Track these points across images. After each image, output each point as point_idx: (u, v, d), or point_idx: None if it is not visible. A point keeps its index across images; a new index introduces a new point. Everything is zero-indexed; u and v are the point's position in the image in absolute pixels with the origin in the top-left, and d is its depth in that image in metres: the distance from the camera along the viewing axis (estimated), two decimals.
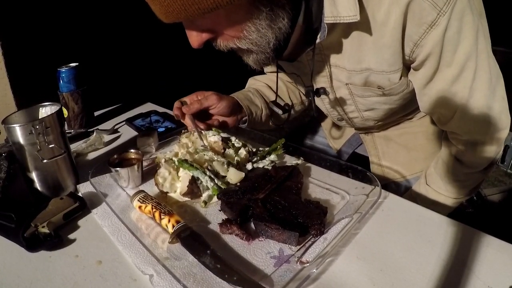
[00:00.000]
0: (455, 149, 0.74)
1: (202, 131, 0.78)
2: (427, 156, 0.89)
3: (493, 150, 0.70)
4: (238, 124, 0.87)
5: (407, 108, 0.83)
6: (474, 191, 0.79)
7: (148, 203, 0.59)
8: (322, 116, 1.11)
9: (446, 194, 0.78)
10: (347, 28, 0.62)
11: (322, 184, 0.69)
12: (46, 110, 0.72)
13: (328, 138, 1.12)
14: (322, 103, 0.85)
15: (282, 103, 0.81)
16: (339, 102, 0.80)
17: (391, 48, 0.61)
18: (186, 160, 0.68)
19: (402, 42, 0.60)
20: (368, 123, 0.86)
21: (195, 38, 0.57)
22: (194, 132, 0.78)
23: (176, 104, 0.81)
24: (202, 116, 0.82)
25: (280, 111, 0.79)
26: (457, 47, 0.58)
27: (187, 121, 0.80)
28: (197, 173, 0.65)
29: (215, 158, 0.69)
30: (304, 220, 0.55)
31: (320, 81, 0.76)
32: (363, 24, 0.59)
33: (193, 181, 0.65)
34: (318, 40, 0.62)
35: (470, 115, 0.65)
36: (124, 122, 1.07)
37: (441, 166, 0.77)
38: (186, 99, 0.83)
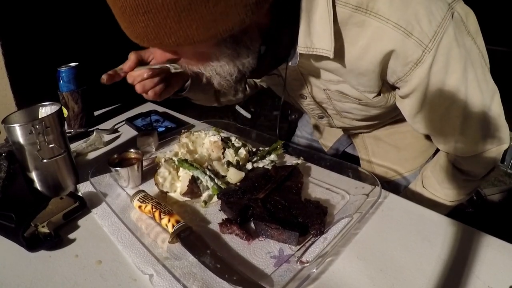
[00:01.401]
0: (453, 157, 0.73)
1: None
2: (417, 155, 0.89)
3: (491, 162, 0.69)
4: (181, 88, 0.80)
5: (388, 114, 0.80)
6: (471, 194, 0.79)
7: (148, 203, 0.59)
8: (309, 119, 1.12)
9: (442, 197, 0.77)
10: (320, 58, 0.59)
11: (322, 184, 0.69)
12: (46, 110, 0.72)
13: (318, 137, 1.12)
14: (301, 104, 0.84)
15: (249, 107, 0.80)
16: (317, 104, 0.80)
17: (367, 77, 0.60)
18: (186, 160, 0.68)
19: (381, 74, 0.60)
20: (349, 122, 0.85)
21: (159, 55, 0.58)
22: (194, 132, 0.78)
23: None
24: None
25: (248, 115, 0.79)
26: (444, 81, 0.57)
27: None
28: (197, 173, 0.65)
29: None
30: (304, 220, 0.55)
31: (298, 87, 0.76)
32: (337, 56, 0.57)
33: (193, 180, 0.65)
34: (289, 64, 0.61)
35: (465, 139, 0.65)
36: (124, 122, 1.07)
37: (438, 171, 0.77)
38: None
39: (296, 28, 0.55)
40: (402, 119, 0.86)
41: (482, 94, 0.60)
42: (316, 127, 1.10)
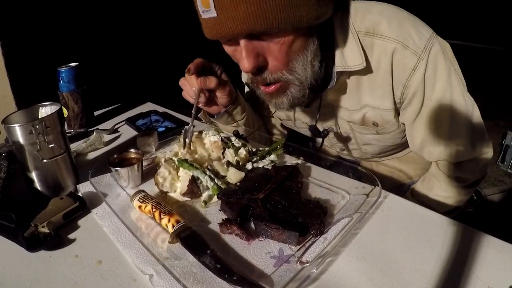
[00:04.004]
0: (442, 165, 0.80)
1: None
2: (416, 167, 0.96)
3: (478, 169, 0.79)
4: (223, 107, 0.85)
5: (397, 148, 0.91)
6: (460, 204, 0.83)
7: (148, 203, 0.59)
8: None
9: (433, 205, 0.81)
10: (349, 75, 0.72)
11: (322, 184, 0.69)
12: (46, 110, 0.72)
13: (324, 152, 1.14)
14: (327, 137, 0.90)
15: (320, 128, 0.86)
16: (342, 137, 0.89)
17: (383, 89, 0.71)
18: (186, 160, 0.68)
19: (392, 86, 0.71)
20: (365, 156, 0.95)
21: (251, 60, 0.60)
22: (193, 133, 0.78)
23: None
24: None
25: (320, 137, 0.87)
26: (434, 84, 0.69)
27: (192, 79, 0.75)
28: (197, 173, 0.65)
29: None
30: (304, 220, 0.55)
31: (326, 121, 0.85)
32: (361, 70, 0.69)
33: (193, 180, 0.65)
34: (329, 87, 0.72)
35: (456, 137, 0.74)
36: (124, 122, 1.07)
37: (427, 181, 0.84)
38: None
39: (331, 54, 0.69)
40: (404, 152, 0.96)
41: (465, 101, 0.71)
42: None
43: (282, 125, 1.02)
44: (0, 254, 0.56)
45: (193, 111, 0.76)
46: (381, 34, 0.67)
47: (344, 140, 0.90)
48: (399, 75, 0.69)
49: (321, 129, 0.85)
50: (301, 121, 0.90)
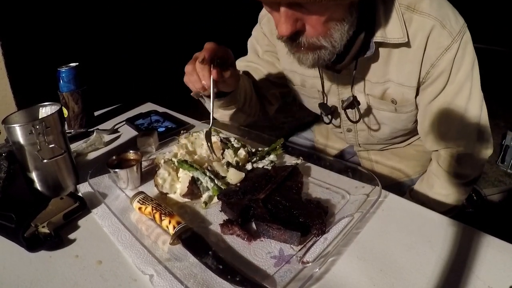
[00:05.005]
0: (442, 158, 0.81)
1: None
2: (415, 164, 0.97)
3: (481, 162, 0.81)
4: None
5: (403, 135, 0.93)
6: (459, 202, 0.84)
7: (148, 205, 0.59)
8: (318, 124, 1.15)
9: (433, 205, 0.82)
10: (380, 47, 0.73)
11: (322, 183, 0.69)
12: (46, 110, 0.72)
13: (322, 148, 1.14)
14: (339, 113, 0.88)
15: (336, 101, 0.86)
16: (355, 113, 0.86)
17: (412, 64, 0.72)
18: (186, 161, 0.68)
19: (421, 63, 0.72)
20: (370, 141, 0.94)
21: (289, 26, 0.60)
22: (193, 133, 0.78)
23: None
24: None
25: (328, 113, 0.87)
26: (459, 69, 0.71)
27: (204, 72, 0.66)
28: (197, 174, 0.65)
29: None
30: (306, 219, 0.55)
31: (344, 93, 0.83)
32: (396, 44, 0.71)
33: (193, 181, 0.65)
34: (366, 55, 0.72)
35: (466, 127, 0.76)
36: (124, 122, 1.07)
37: (427, 179, 0.85)
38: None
39: (372, 25, 0.70)
40: (406, 142, 0.98)
41: (480, 93, 0.75)
42: (323, 137, 1.13)
43: (276, 94, 0.99)
44: (0, 254, 0.56)
45: (211, 113, 0.70)
46: (421, 11, 0.68)
47: (356, 117, 0.88)
48: (431, 53, 0.70)
49: (337, 102, 0.85)
50: (316, 89, 0.88)
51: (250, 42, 0.99)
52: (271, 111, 1.04)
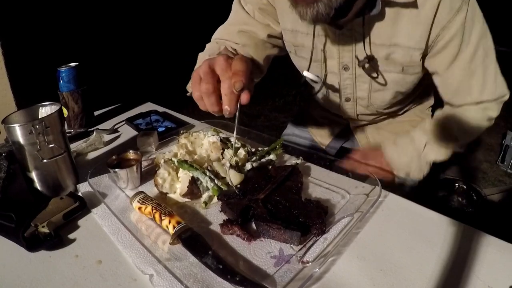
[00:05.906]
0: (446, 114, 0.83)
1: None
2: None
3: (494, 114, 0.82)
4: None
5: (406, 100, 0.93)
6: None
7: (148, 204, 0.59)
8: (310, 110, 1.14)
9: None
10: (389, 5, 0.72)
11: (322, 183, 0.69)
12: (46, 110, 0.72)
13: (314, 135, 1.13)
14: (338, 79, 0.86)
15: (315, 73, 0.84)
16: (355, 78, 0.85)
17: (423, 26, 0.72)
18: (186, 161, 0.68)
19: (431, 25, 0.71)
20: (370, 110, 0.92)
21: None
22: (193, 133, 0.78)
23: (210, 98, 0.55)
24: None
25: (317, 79, 0.84)
26: (472, 29, 0.72)
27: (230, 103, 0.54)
28: (197, 174, 0.65)
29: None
30: (305, 219, 0.55)
31: (344, 56, 0.82)
32: (407, 3, 0.69)
33: (193, 181, 0.65)
34: (372, 13, 0.70)
35: (486, 85, 0.78)
36: (124, 122, 1.07)
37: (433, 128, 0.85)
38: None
39: None
40: (400, 113, 0.99)
41: (494, 50, 0.76)
42: (315, 123, 1.11)
43: (270, 57, 0.93)
44: (0, 254, 0.56)
45: (235, 134, 0.61)
46: None
47: (356, 83, 0.86)
48: (442, 15, 0.70)
49: (336, 65, 0.83)
50: (317, 49, 0.83)
51: (237, 1, 0.89)
52: (264, 72, 0.95)
